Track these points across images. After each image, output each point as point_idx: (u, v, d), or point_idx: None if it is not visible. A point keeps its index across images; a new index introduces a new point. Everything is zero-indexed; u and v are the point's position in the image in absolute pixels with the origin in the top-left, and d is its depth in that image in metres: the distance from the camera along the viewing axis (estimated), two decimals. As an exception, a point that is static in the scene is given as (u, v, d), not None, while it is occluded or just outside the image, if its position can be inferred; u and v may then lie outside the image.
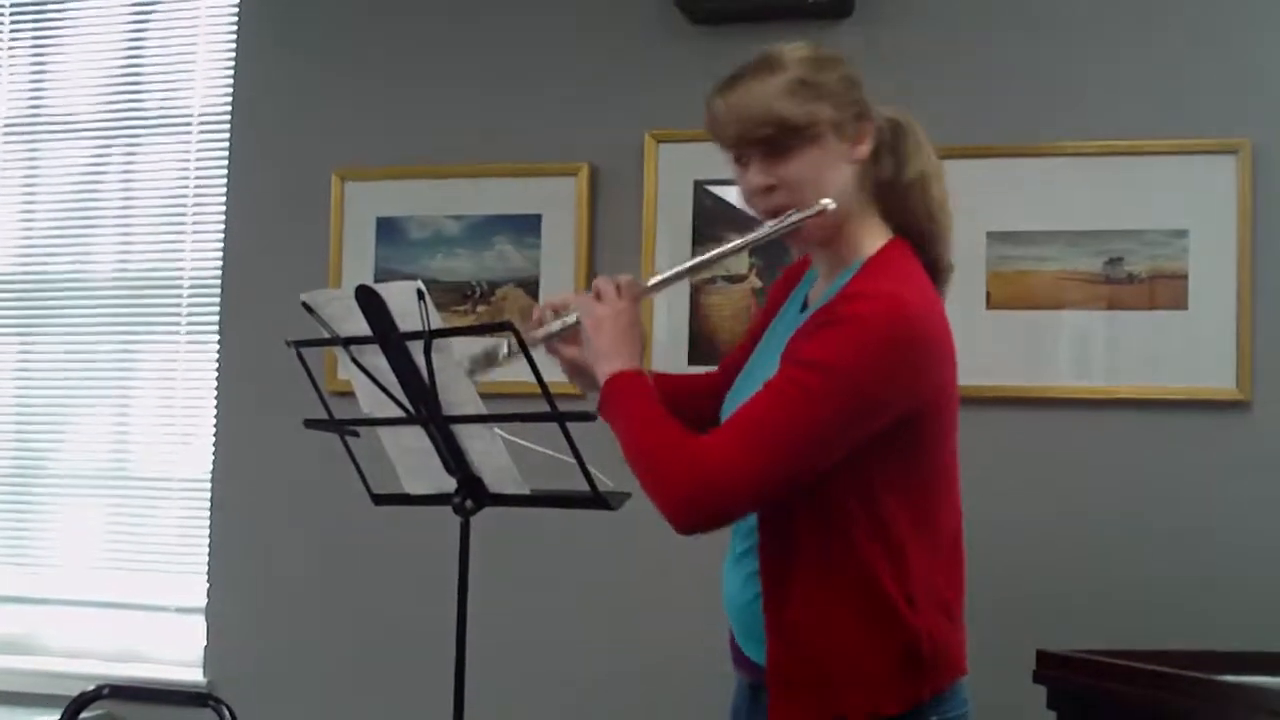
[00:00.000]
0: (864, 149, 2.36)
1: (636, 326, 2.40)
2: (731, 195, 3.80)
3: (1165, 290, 3.56)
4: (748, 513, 2.27)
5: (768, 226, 2.35)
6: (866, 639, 2.23)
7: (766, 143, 2.31)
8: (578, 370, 2.57)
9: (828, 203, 2.29)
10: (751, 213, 2.41)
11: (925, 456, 2.30)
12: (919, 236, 2.40)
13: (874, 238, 2.38)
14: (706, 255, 2.49)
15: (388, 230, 4.11)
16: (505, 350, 2.48)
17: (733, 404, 2.48)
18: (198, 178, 4.49)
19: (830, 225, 2.33)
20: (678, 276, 2.52)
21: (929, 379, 2.24)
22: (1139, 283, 3.58)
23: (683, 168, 3.86)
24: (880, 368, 2.15)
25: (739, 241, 2.42)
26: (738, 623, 2.44)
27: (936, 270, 2.40)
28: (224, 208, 4.36)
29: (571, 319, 2.46)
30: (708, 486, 2.15)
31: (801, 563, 2.26)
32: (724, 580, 2.50)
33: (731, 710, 2.56)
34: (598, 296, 2.41)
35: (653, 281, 2.49)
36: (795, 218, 2.31)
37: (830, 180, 2.31)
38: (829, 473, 2.19)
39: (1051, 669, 2.95)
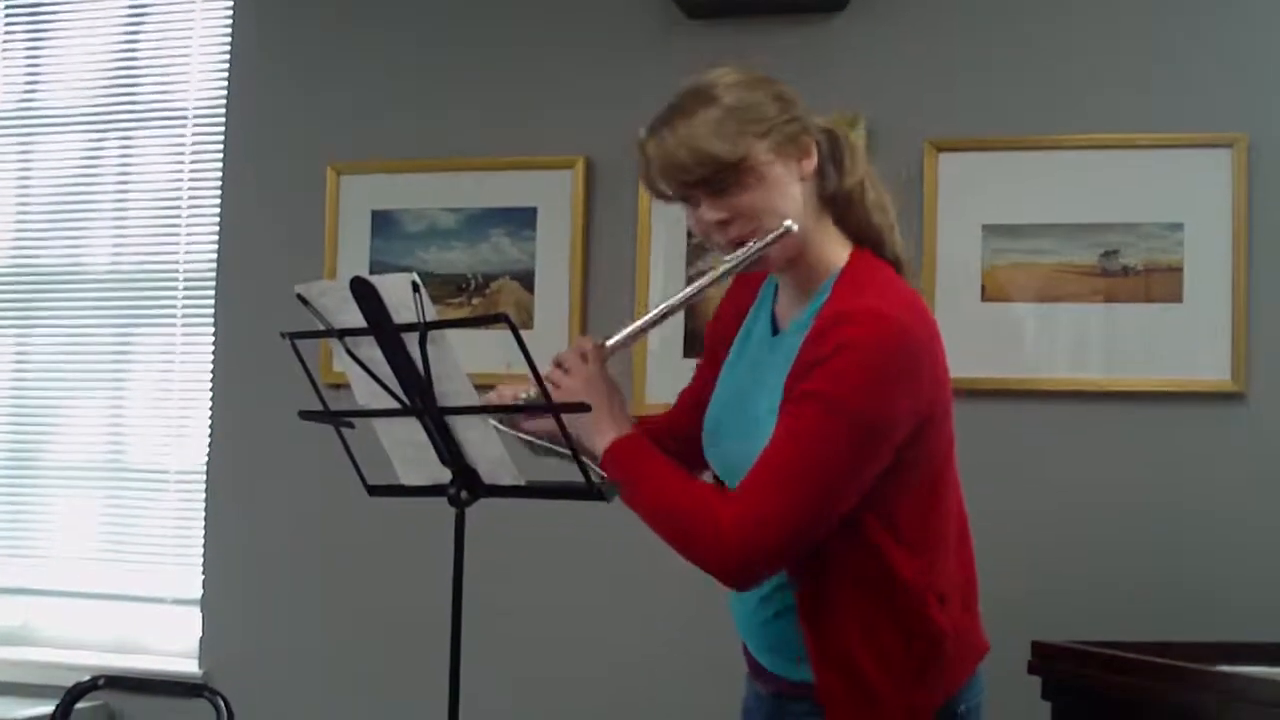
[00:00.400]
0: (810, 164, 2.31)
1: (615, 388, 2.39)
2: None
3: (1161, 283, 3.57)
4: (792, 556, 2.22)
5: (731, 259, 2.29)
6: (904, 647, 2.25)
7: (707, 182, 2.25)
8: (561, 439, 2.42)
9: (790, 224, 2.24)
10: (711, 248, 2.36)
11: (930, 454, 2.30)
12: (873, 243, 2.37)
13: (838, 251, 2.35)
14: (670, 302, 2.41)
15: (382, 223, 4.11)
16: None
17: (717, 439, 2.48)
18: (192, 170, 4.49)
19: (793, 245, 2.28)
20: (642, 330, 2.47)
21: (929, 384, 2.23)
22: (1134, 275, 3.58)
23: (679, 160, 3.85)
24: (884, 388, 2.15)
25: (704, 280, 2.37)
26: (756, 639, 2.44)
27: (899, 268, 2.37)
28: (219, 200, 4.36)
29: (533, 392, 2.39)
30: (748, 551, 2.15)
31: (836, 582, 2.25)
32: (733, 600, 2.47)
33: (743, 711, 2.56)
34: (563, 368, 2.39)
35: (616, 339, 2.43)
36: (759, 246, 2.26)
37: (785, 202, 2.26)
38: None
39: (1047, 660, 2.96)
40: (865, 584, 2.24)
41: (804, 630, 2.28)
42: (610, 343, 2.40)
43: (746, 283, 2.59)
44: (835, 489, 2.15)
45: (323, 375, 3.76)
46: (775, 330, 2.45)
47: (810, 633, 2.28)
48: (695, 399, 2.65)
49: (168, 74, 4.56)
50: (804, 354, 2.21)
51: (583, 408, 2.33)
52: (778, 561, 2.20)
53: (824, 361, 2.15)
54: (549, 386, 2.32)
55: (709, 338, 2.71)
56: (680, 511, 2.25)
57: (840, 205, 2.36)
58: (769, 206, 2.24)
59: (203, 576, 4.29)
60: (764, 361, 2.39)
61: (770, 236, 2.24)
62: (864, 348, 2.13)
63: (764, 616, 2.37)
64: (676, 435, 2.61)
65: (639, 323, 2.43)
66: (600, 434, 2.34)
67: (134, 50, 4.59)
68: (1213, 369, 3.53)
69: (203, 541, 4.30)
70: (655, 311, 2.42)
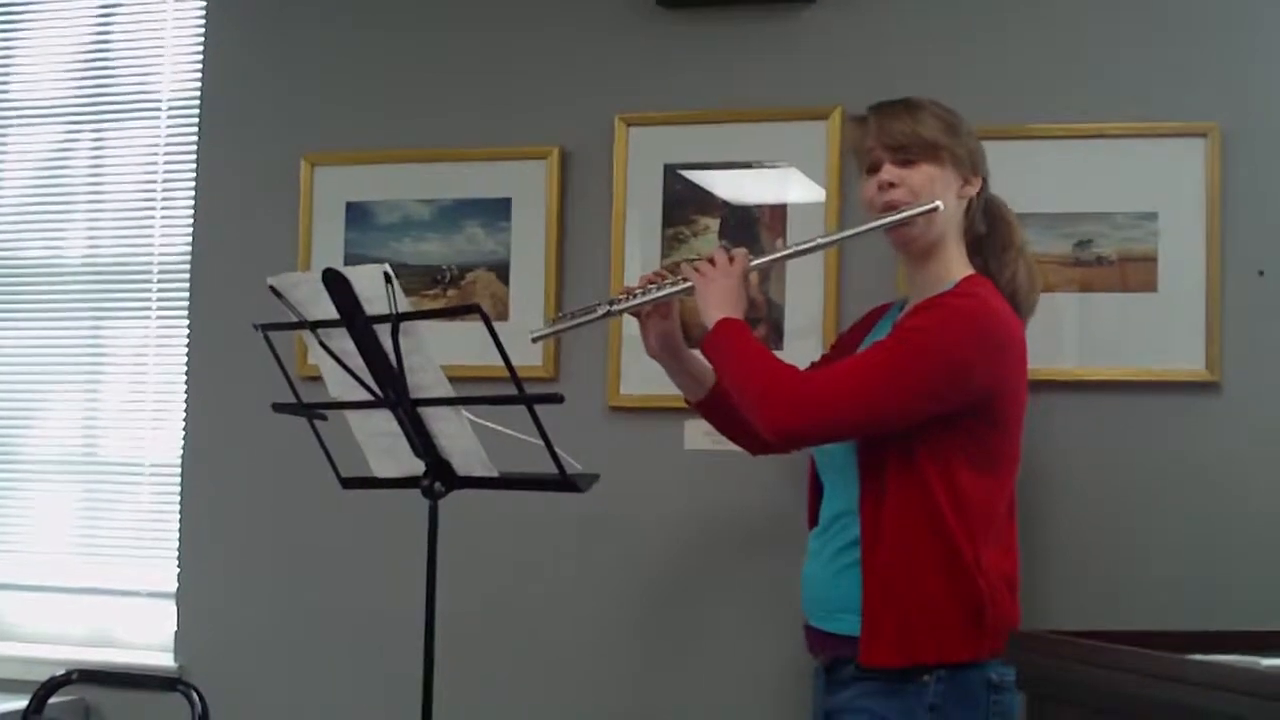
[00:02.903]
0: (970, 189, 2.88)
1: (744, 292, 2.86)
2: (701, 178, 3.80)
3: (1135, 272, 3.57)
4: (834, 434, 2.74)
5: (884, 217, 2.81)
6: (943, 591, 2.68)
7: (901, 150, 2.81)
8: (665, 344, 3.03)
9: (938, 203, 2.76)
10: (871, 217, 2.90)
11: (996, 446, 2.78)
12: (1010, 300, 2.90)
13: (963, 270, 2.87)
14: (816, 242, 2.99)
15: (357, 215, 4.09)
16: (602, 310, 2.90)
17: None
18: (167, 163, 4.46)
19: (932, 237, 2.83)
20: (784, 258, 3.02)
21: (1007, 369, 2.75)
22: (1108, 265, 3.58)
23: (653, 151, 3.85)
24: (968, 344, 2.65)
25: (856, 229, 2.95)
26: (821, 598, 2.87)
27: None
28: (193, 193, 4.34)
29: (685, 285, 2.88)
30: (808, 406, 2.64)
31: (895, 525, 2.69)
32: (808, 561, 2.95)
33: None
34: (711, 262, 2.86)
35: (760, 260, 2.94)
36: (910, 212, 2.77)
37: (941, 195, 2.79)
38: (919, 450, 2.67)
39: (1022, 649, 2.96)
40: (921, 535, 2.68)
41: (861, 564, 2.72)
42: (754, 262, 2.91)
43: (875, 312, 3.19)
44: (891, 396, 2.62)
45: (297, 368, 3.74)
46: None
47: (866, 566, 2.71)
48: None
49: (142, 66, 4.52)
50: (913, 309, 2.79)
51: (554, 399, 2.42)
52: (822, 429, 2.70)
53: (927, 310, 2.71)
54: (692, 272, 2.87)
55: (840, 339, 3.27)
56: (766, 370, 2.70)
57: (986, 258, 2.95)
58: (929, 189, 2.80)
59: (178, 570, 4.26)
60: None
61: (920, 208, 2.77)
62: (960, 312, 2.68)
63: (837, 567, 2.80)
64: None
65: (784, 252, 3.00)
66: (718, 311, 2.79)
67: (107, 43, 4.56)
68: (1187, 358, 3.53)
69: (178, 534, 4.28)
70: (800, 246, 2.99)
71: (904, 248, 2.89)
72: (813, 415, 2.63)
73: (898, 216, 2.78)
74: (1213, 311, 3.50)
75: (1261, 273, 3.51)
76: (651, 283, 2.97)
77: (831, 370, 2.72)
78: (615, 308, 2.90)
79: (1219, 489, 3.51)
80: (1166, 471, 3.54)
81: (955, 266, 2.86)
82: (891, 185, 2.81)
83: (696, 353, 2.93)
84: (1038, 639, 2.93)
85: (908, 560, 2.67)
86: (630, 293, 2.95)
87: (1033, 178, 3.60)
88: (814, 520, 3.02)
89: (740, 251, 2.89)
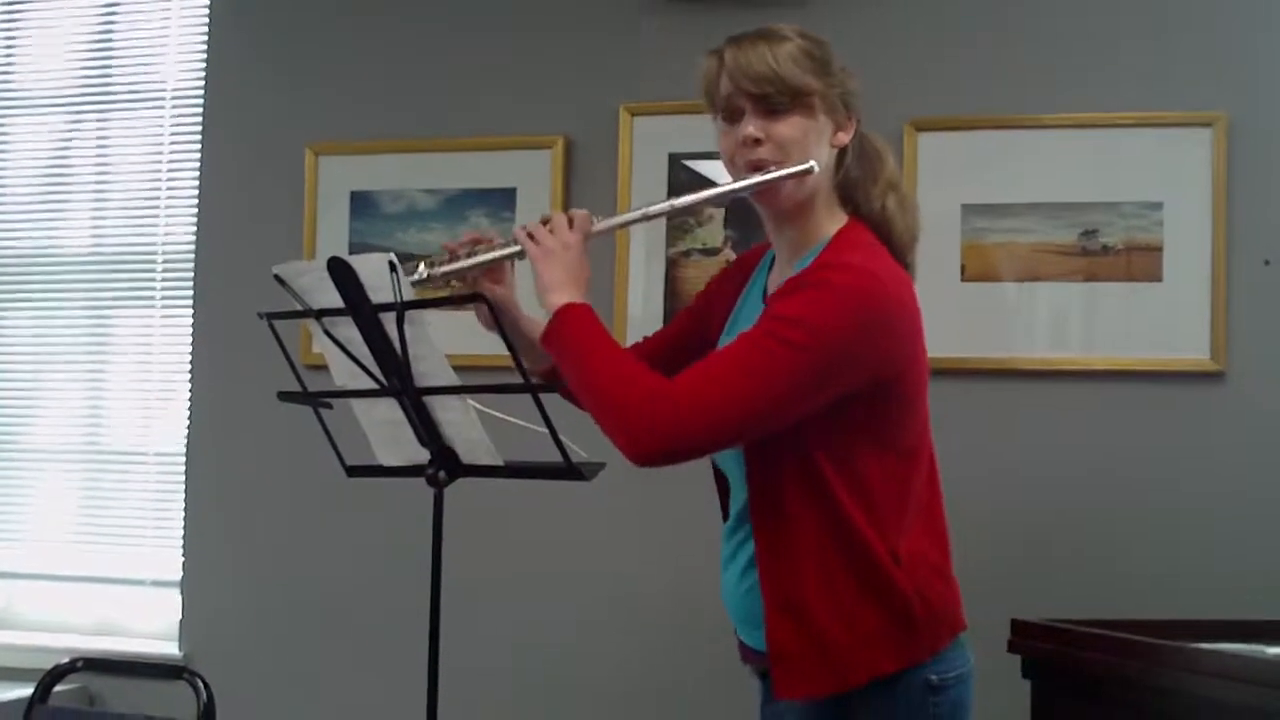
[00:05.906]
0: (844, 137, 2.43)
1: (586, 262, 2.42)
2: (705, 168, 3.79)
3: (1140, 262, 3.57)
4: (708, 449, 2.31)
5: (750, 179, 2.39)
6: (860, 599, 2.29)
7: (764, 99, 2.36)
8: (501, 310, 2.57)
9: (812, 164, 2.34)
10: (730, 174, 2.46)
11: (900, 422, 2.36)
12: (884, 240, 2.44)
13: (836, 224, 2.43)
14: (669, 203, 2.55)
15: (361, 204, 4.10)
16: (422, 272, 2.52)
17: None
18: (171, 151, 4.47)
19: (804, 195, 2.39)
20: (632, 221, 2.57)
21: (901, 347, 2.30)
22: (1114, 254, 3.58)
23: (657, 140, 3.85)
24: (854, 328, 2.21)
25: (710, 192, 2.50)
26: (739, 613, 2.49)
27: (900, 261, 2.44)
28: (197, 181, 4.34)
29: (514, 248, 2.47)
30: (671, 427, 2.17)
31: (794, 531, 2.31)
32: (723, 567, 2.55)
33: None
34: (547, 226, 2.43)
35: (605, 223, 2.49)
36: (781, 173, 2.35)
37: (814, 150, 2.37)
38: (811, 440, 2.27)
39: (1026, 638, 2.96)
40: (825, 539, 2.30)
41: (760, 582, 2.34)
42: (598, 225, 2.46)
43: (743, 264, 2.73)
44: (771, 399, 2.20)
45: (302, 356, 3.75)
46: (765, 299, 2.51)
47: (766, 583, 2.34)
48: (668, 339, 2.84)
49: (146, 55, 4.54)
50: (787, 284, 2.30)
51: (550, 388, 2.37)
52: (693, 446, 2.22)
53: (804, 290, 2.24)
54: (526, 239, 2.43)
55: (701, 296, 2.81)
56: (617, 376, 2.26)
57: (857, 199, 2.47)
58: (801, 144, 2.36)
59: (182, 558, 4.27)
60: (747, 324, 2.42)
61: (794, 168, 2.34)
62: (846, 290, 2.22)
63: (745, 586, 2.43)
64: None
65: (632, 214, 2.55)
66: (559, 292, 2.36)
67: (112, 31, 4.57)
68: (1192, 348, 3.53)
69: (182, 523, 4.29)
70: (652, 208, 2.54)
71: (771, 207, 2.46)
72: (675, 433, 2.18)
73: (764, 178, 2.37)
74: (1218, 301, 3.50)
75: (1267, 262, 3.51)
76: (477, 243, 2.57)
77: (693, 375, 2.23)
78: (436, 270, 2.54)
79: (1223, 478, 3.51)
80: (1171, 461, 3.54)
81: (826, 221, 2.44)
82: (757, 142, 2.37)
83: (536, 316, 2.54)
84: (1042, 628, 2.94)
85: (813, 572, 2.31)
86: (453, 253, 2.57)
87: (1039, 167, 3.62)
88: (727, 513, 2.62)
89: (581, 213, 2.45)
